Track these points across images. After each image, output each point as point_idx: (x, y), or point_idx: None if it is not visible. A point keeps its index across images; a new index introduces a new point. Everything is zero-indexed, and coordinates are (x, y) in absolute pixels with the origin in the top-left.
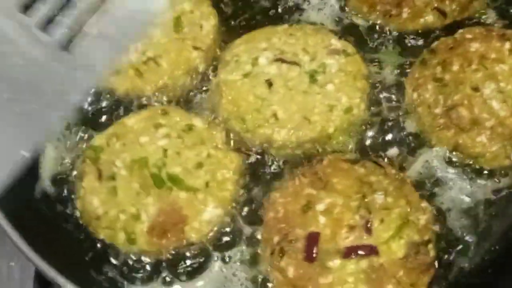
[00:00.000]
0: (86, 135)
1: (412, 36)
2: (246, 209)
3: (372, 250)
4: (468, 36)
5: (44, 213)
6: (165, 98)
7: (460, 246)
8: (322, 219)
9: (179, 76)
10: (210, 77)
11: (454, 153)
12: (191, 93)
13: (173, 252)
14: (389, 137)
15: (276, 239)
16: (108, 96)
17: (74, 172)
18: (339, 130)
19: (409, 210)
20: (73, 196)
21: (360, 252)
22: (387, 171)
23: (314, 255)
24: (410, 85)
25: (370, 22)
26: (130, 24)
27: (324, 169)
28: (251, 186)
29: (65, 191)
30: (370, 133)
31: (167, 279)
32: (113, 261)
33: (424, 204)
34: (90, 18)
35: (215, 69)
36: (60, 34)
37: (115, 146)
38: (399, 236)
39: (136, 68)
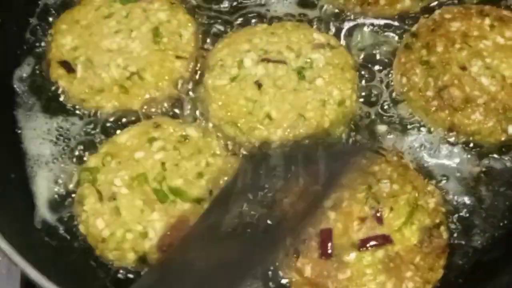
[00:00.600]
0: (79, 158)
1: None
2: None
3: (386, 239)
4: (447, 16)
5: (47, 242)
6: (154, 110)
7: (468, 226)
8: (331, 215)
9: (165, 87)
10: (197, 85)
11: (450, 133)
12: (180, 103)
13: None
14: (383, 124)
15: (288, 240)
16: (96, 115)
17: (71, 197)
18: (335, 123)
19: (417, 195)
20: (75, 222)
21: (374, 242)
22: (388, 159)
23: (329, 251)
24: (398, 71)
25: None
26: None
27: None
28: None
29: (65, 217)
30: (365, 122)
31: None
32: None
33: (430, 187)
34: None
35: (201, 76)
36: None
37: (111, 165)
38: (410, 222)
39: (120, 84)
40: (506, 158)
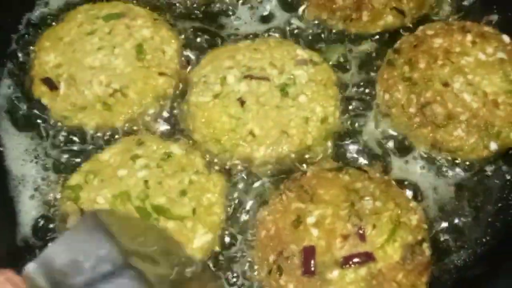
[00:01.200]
0: (62, 176)
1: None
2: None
3: (368, 257)
4: (429, 32)
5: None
6: (137, 128)
7: (450, 243)
8: (314, 232)
9: (148, 104)
10: (181, 102)
11: (433, 150)
12: (163, 120)
13: None
14: (365, 140)
15: (271, 257)
16: (78, 133)
17: (54, 215)
18: (318, 140)
19: (399, 212)
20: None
21: (357, 260)
22: (371, 176)
23: (312, 268)
24: (380, 87)
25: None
26: None
27: (309, 181)
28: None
29: (48, 236)
30: (347, 139)
31: None
32: None
33: (412, 204)
34: None
35: (184, 93)
36: None
37: (94, 183)
38: (393, 239)
39: (103, 101)
40: (488, 174)
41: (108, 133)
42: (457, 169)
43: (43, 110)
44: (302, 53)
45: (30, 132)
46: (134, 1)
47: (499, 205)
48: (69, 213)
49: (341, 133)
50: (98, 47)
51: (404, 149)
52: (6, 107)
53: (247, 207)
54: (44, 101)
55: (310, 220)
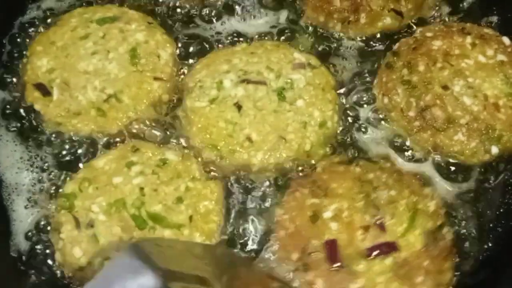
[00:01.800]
0: (56, 184)
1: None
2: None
3: (391, 247)
4: (428, 34)
5: (23, 271)
6: (132, 134)
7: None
8: (333, 226)
9: (143, 110)
10: (176, 107)
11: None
12: (159, 125)
13: None
14: (364, 145)
15: (295, 255)
16: (73, 139)
17: (48, 224)
18: (316, 145)
19: (415, 199)
20: (47, 251)
21: (380, 250)
22: (382, 166)
23: (337, 261)
24: (379, 90)
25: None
26: None
27: (321, 176)
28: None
29: (42, 245)
30: (345, 144)
31: None
32: None
33: (427, 190)
34: None
35: (179, 98)
36: None
37: (88, 191)
38: (413, 227)
39: (98, 107)
40: (489, 179)
41: (103, 140)
42: (458, 174)
43: (37, 116)
44: (299, 56)
45: (24, 139)
46: (128, 4)
47: (501, 210)
48: (63, 222)
49: (339, 138)
50: (92, 51)
51: (403, 152)
52: None
53: (246, 214)
54: (37, 107)
55: (327, 214)
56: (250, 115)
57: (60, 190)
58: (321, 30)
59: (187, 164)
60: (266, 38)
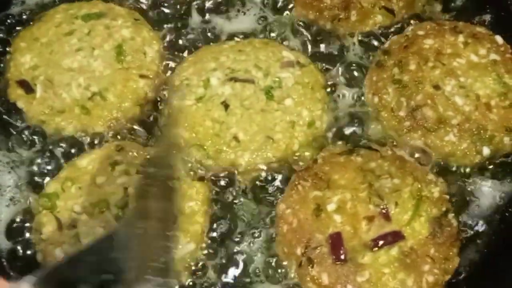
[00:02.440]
0: (39, 183)
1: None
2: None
3: (397, 236)
4: (420, 32)
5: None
6: (116, 132)
7: None
8: (337, 218)
9: (128, 108)
10: (162, 105)
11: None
12: (144, 124)
13: None
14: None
15: (299, 250)
16: (55, 137)
17: (30, 224)
18: (304, 145)
19: (419, 186)
20: (28, 252)
21: (386, 240)
22: (383, 154)
23: (342, 255)
24: (369, 89)
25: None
26: None
27: (322, 168)
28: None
29: (23, 246)
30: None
31: None
32: None
33: (430, 176)
34: None
35: (165, 96)
36: None
37: (71, 191)
38: (418, 214)
39: (82, 105)
40: (481, 180)
41: (87, 138)
42: (448, 176)
43: (20, 114)
44: (288, 54)
45: (6, 138)
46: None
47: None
48: (44, 223)
49: (328, 138)
50: (77, 48)
51: None
52: None
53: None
54: (20, 104)
55: (331, 207)
56: (237, 114)
57: (42, 190)
58: (311, 27)
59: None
60: (254, 35)
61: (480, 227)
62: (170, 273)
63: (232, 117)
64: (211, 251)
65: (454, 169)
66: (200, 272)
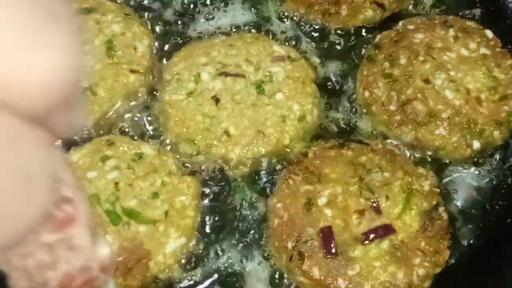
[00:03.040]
0: None
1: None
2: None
3: (388, 229)
4: (410, 27)
5: None
6: (107, 128)
7: None
8: (328, 212)
9: (119, 103)
10: (153, 100)
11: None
12: (135, 119)
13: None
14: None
15: (290, 244)
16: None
17: None
18: (295, 139)
19: (410, 179)
20: None
21: (377, 233)
22: (374, 148)
23: (333, 249)
24: (360, 83)
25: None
26: None
27: (313, 162)
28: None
29: None
30: (325, 138)
31: None
32: None
33: (421, 170)
34: None
35: (156, 91)
36: None
37: None
38: (409, 208)
39: None
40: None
41: (76, 134)
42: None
43: None
44: (279, 49)
45: None
46: None
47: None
48: None
49: (319, 132)
50: None
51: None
52: None
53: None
54: None
55: (322, 201)
56: (228, 108)
57: None
58: (301, 22)
59: (163, 159)
60: (245, 29)
61: (468, 219)
62: None
63: (223, 111)
64: (202, 245)
65: (443, 162)
66: (191, 266)
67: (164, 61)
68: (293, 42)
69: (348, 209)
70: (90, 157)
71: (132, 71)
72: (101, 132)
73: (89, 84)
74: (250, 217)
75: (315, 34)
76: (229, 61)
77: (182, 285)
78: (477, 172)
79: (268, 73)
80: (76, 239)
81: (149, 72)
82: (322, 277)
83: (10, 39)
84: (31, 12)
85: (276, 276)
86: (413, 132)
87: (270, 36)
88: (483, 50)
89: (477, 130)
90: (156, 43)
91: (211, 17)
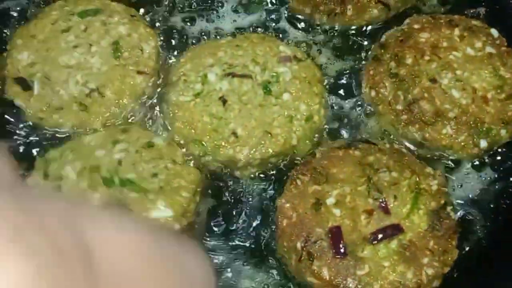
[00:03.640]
0: None
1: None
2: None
3: (397, 229)
4: (416, 26)
5: None
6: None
7: None
8: (337, 212)
9: (126, 104)
10: (160, 101)
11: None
12: (142, 120)
13: None
14: (352, 138)
15: (299, 244)
16: (54, 135)
17: None
18: (303, 139)
19: (417, 179)
20: None
21: (385, 233)
22: (381, 147)
23: (342, 249)
24: (367, 83)
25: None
26: None
27: (321, 162)
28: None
29: None
30: (333, 138)
31: None
32: None
33: (428, 169)
34: None
35: (163, 92)
36: None
37: (68, 158)
38: (417, 207)
39: (80, 101)
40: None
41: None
42: (446, 168)
43: (18, 112)
44: (285, 49)
45: (5, 137)
46: None
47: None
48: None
49: (326, 132)
50: (74, 45)
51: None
52: None
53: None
54: (18, 102)
55: (330, 201)
56: (235, 109)
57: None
58: (307, 22)
59: (172, 150)
60: (252, 30)
61: (476, 219)
62: None
63: (230, 112)
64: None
65: (451, 161)
66: None
67: (171, 62)
68: (299, 42)
69: (357, 209)
70: (102, 139)
71: (139, 72)
72: None
73: (96, 85)
74: (257, 218)
75: (321, 34)
76: (235, 61)
77: None
78: (484, 171)
79: (274, 74)
80: None
81: (156, 73)
82: (332, 278)
83: None
84: None
85: None
86: (420, 131)
87: (279, 36)
88: (489, 49)
89: (484, 129)
90: (163, 44)
91: (217, 18)
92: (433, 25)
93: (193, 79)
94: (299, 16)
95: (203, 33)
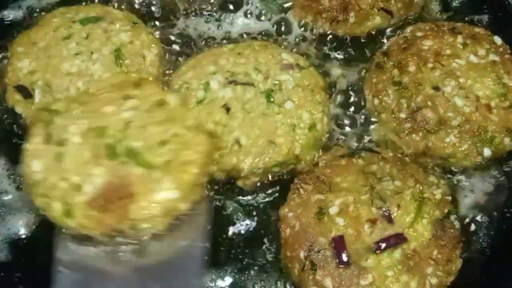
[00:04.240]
0: None
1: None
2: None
3: (400, 238)
4: (419, 33)
5: None
6: None
7: None
8: (340, 221)
9: None
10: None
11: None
12: None
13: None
14: (355, 147)
15: (302, 254)
16: None
17: None
18: (306, 148)
19: (421, 188)
20: None
21: (389, 242)
22: (384, 156)
23: (345, 258)
24: (369, 91)
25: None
26: None
27: (324, 171)
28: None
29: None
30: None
31: None
32: None
33: (432, 178)
34: None
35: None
36: None
37: (74, 112)
38: (420, 216)
39: None
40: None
41: None
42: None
43: (18, 119)
44: (287, 57)
45: (4, 145)
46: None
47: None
48: (34, 134)
49: (329, 141)
50: (75, 52)
51: None
52: None
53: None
54: (18, 109)
55: (333, 210)
56: (238, 117)
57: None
58: (309, 29)
59: (184, 110)
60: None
61: (479, 228)
62: None
63: (234, 120)
64: None
65: (454, 169)
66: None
67: (172, 69)
68: (302, 50)
69: (360, 218)
70: (114, 91)
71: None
72: None
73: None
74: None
75: (323, 42)
76: (238, 69)
77: None
78: (487, 179)
79: (277, 82)
80: None
81: (158, 80)
82: (335, 287)
83: None
84: None
85: None
86: (424, 140)
87: (283, 42)
88: (492, 57)
89: (488, 137)
90: (164, 52)
91: (220, 24)
92: (436, 33)
93: (195, 86)
94: (302, 23)
95: (205, 40)
